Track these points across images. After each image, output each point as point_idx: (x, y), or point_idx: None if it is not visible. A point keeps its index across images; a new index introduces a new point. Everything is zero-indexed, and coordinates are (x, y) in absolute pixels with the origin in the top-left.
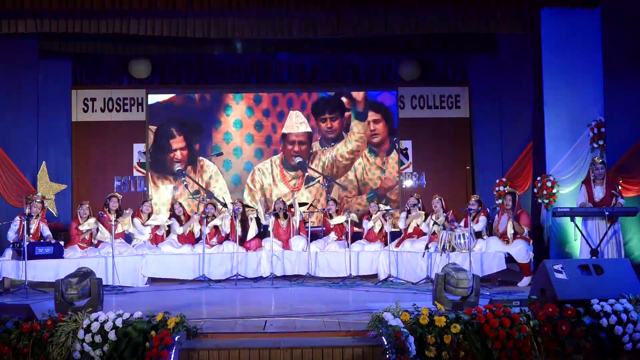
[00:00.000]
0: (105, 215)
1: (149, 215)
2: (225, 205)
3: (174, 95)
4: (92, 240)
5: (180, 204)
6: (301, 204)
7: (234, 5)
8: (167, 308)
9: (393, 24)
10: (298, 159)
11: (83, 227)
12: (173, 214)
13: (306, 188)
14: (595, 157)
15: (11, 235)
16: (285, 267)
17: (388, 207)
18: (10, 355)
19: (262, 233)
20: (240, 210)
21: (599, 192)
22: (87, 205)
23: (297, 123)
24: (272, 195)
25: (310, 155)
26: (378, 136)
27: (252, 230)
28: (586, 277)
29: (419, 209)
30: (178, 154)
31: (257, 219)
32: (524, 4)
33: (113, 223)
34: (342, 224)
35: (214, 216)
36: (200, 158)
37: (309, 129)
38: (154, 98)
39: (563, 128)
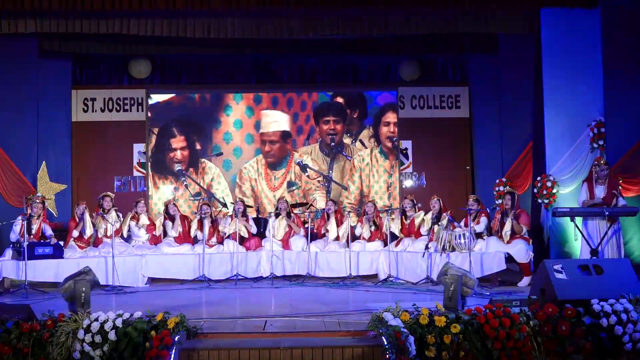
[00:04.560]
0: (100, 215)
1: (145, 213)
2: (225, 205)
3: (174, 95)
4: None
5: (174, 204)
6: (300, 204)
7: (234, 5)
8: (167, 308)
9: (393, 24)
10: (298, 159)
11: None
12: (167, 215)
13: (288, 192)
14: (598, 157)
15: (13, 236)
16: (285, 267)
17: (387, 208)
18: (10, 355)
19: (262, 233)
20: (242, 209)
21: (600, 192)
22: (84, 206)
23: (268, 122)
24: (258, 192)
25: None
26: (390, 140)
27: (253, 229)
28: (586, 277)
29: (415, 210)
30: (178, 153)
31: (256, 218)
32: (524, 4)
33: (112, 224)
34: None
35: (211, 216)
36: (202, 160)
37: (284, 128)
38: (154, 98)
39: (563, 128)
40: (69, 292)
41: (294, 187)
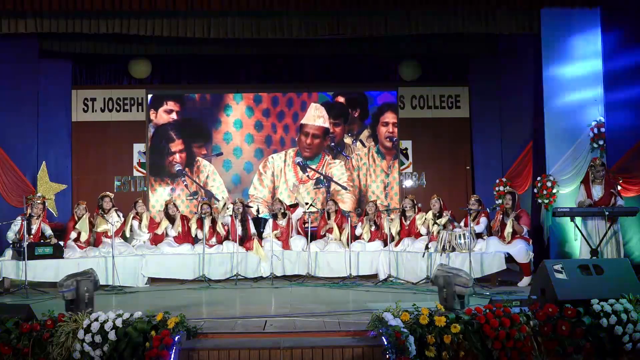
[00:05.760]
0: (100, 215)
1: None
2: (217, 199)
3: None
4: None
5: (174, 204)
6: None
7: (234, 5)
8: (167, 308)
9: (393, 24)
10: (298, 159)
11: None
12: (167, 215)
13: (314, 188)
14: (594, 158)
15: (11, 235)
16: (285, 267)
17: (387, 208)
18: (10, 355)
19: (261, 233)
20: (241, 210)
21: (597, 192)
22: (84, 206)
23: (315, 116)
24: (280, 182)
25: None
26: (389, 140)
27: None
28: (586, 277)
29: (415, 211)
30: (177, 157)
31: (256, 219)
32: (524, 4)
33: (113, 224)
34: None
35: (211, 214)
36: (197, 158)
37: (326, 125)
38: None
39: (563, 128)
40: (71, 290)
41: (320, 186)
